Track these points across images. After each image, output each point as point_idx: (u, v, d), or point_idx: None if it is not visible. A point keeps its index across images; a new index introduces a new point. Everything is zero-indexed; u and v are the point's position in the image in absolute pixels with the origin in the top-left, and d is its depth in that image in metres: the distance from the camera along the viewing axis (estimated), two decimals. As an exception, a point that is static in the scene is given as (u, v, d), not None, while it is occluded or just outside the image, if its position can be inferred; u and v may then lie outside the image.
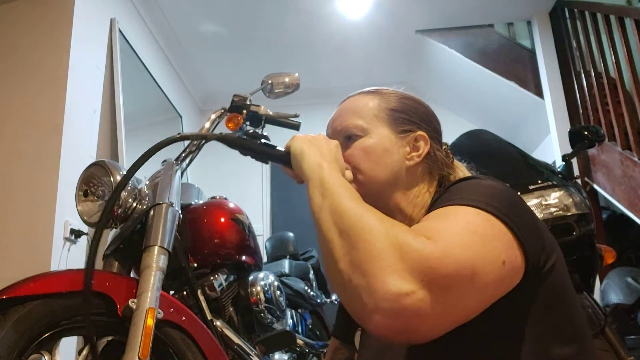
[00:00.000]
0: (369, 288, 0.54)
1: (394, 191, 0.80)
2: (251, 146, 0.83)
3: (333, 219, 0.62)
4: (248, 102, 1.50)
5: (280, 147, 0.83)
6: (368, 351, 0.81)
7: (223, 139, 0.83)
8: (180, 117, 3.88)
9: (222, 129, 1.49)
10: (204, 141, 1.44)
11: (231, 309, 1.44)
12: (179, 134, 0.80)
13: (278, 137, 0.97)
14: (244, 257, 1.49)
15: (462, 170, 0.87)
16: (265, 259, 2.66)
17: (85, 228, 2.22)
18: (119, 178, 1.21)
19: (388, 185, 0.80)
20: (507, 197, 0.64)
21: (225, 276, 1.44)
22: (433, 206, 0.70)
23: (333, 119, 0.88)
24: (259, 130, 1.53)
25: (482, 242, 0.57)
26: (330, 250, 0.60)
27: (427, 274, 0.52)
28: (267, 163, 0.86)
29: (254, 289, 1.50)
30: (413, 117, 0.85)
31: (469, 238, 0.56)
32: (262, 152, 0.84)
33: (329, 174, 0.70)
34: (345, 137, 0.83)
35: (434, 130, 0.86)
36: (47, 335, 0.92)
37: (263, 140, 0.85)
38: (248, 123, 1.52)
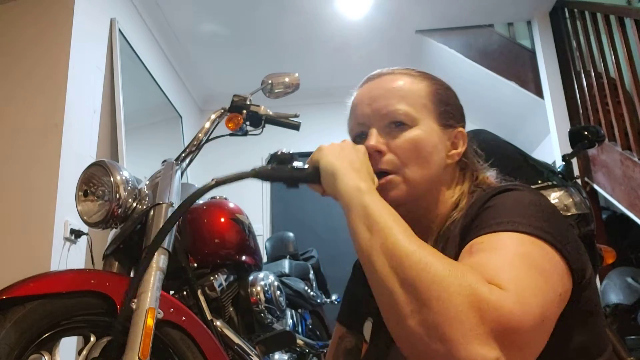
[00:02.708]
0: (449, 356, 0.49)
1: (432, 190, 0.76)
2: (283, 175, 0.75)
3: (390, 265, 0.55)
4: (248, 102, 1.50)
5: (299, 163, 0.75)
6: (380, 345, 0.78)
7: (259, 175, 0.74)
8: (180, 117, 3.88)
9: (222, 129, 1.50)
10: (204, 141, 1.45)
11: (231, 309, 1.44)
12: (213, 179, 0.72)
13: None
14: (244, 257, 1.49)
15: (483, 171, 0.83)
16: (265, 259, 2.66)
17: (85, 228, 2.22)
18: (118, 178, 1.21)
19: (432, 184, 0.75)
20: (552, 214, 0.62)
21: (225, 276, 1.43)
22: (476, 217, 0.65)
23: (373, 97, 0.78)
24: (258, 131, 1.54)
25: (544, 281, 0.54)
26: (393, 303, 0.53)
27: (509, 336, 0.49)
28: (297, 187, 0.77)
29: (254, 289, 1.50)
30: (456, 110, 0.80)
31: (534, 280, 0.53)
32: (294, 178, 0.74)
33: (372, 201, 0.62)
34: (390, 122, 0.76)
35: (465, 127, 0.82)
36: (47, 335, 0.92)
37: (295, 164, 0.75)
38: (248, 123, 1.52)
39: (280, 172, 0.73)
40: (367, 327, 0.84)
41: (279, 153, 0.76)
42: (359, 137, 0.80)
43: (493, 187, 0.72)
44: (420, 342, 0.51)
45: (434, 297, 0.50)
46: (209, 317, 1.29)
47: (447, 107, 0.79)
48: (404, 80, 0.79)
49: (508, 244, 0.57)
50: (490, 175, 0.82)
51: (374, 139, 0.75)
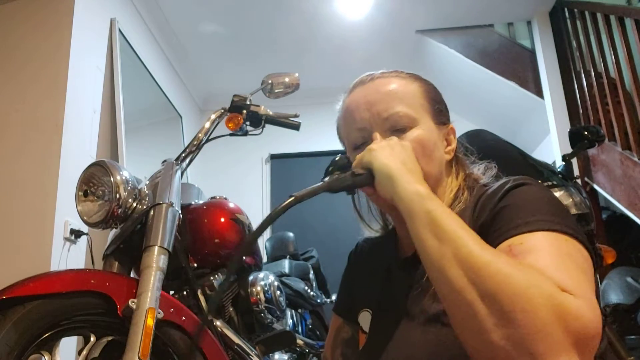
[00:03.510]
0: None
1: (436, 186, 0.77)
2: (348, 184, 0.72)
3: (468, 276, 0.53)
4: (248, 102, 1.50)
5: (359, 168, 0.72)
6: (380, 337, 0.78)
7: (330, 187, 0.71)
8: (180, 117, 3.88)
9: (222, 129, 1.50)
10: (204, 141, 1.45)
11: (231, 309, 1.44)
12: (291, 195, 0.67)
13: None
14: (244, 257, 1.49)
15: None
16: (265, 259, 2.66)
17: (85, 228, 2.22)
18: (118, 178, 1.21)
19: (436, 181, 0.77)
20: (563, 207, 0.65)
21: (225, 276, 1.43)
22: (496, 214, 0.65)
23: (370, 101, 0.78)
24: (258, 131, 1.54)
25: (590, 280, 0.56)
26: (472, 317, 0.52)
27: (588, 343, 0.50)
28: (354, 193, 0.75)
29: (254, 289, 1.50)
30: (445, 109, 0.83)
31: (586, 280, 0.55)
32: (355, 185, 0.72)
33: (436, 207, 0.60)
34: (392, 124, 0.76)
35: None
36: (47, 335, 0.92)
37: (353, 170, 0.72)
38: (248, 123, 1.52)
39: (346, 181, 0.72)
40: (365, 318, 0.84)
41: (337, 159, 0.75)
42: (359, 143, 0.80)
43: (502, 181, 0.72)
44: (504, 356, 0.50)
45: (518, 309, 0.49)
46: (209, 317, 1.29)
47: (440, 105, 0.82)
48: (397, 83, 0.80)
49: (548, 245, 0.58)
50: (479, 169, 0.85)
51: None
